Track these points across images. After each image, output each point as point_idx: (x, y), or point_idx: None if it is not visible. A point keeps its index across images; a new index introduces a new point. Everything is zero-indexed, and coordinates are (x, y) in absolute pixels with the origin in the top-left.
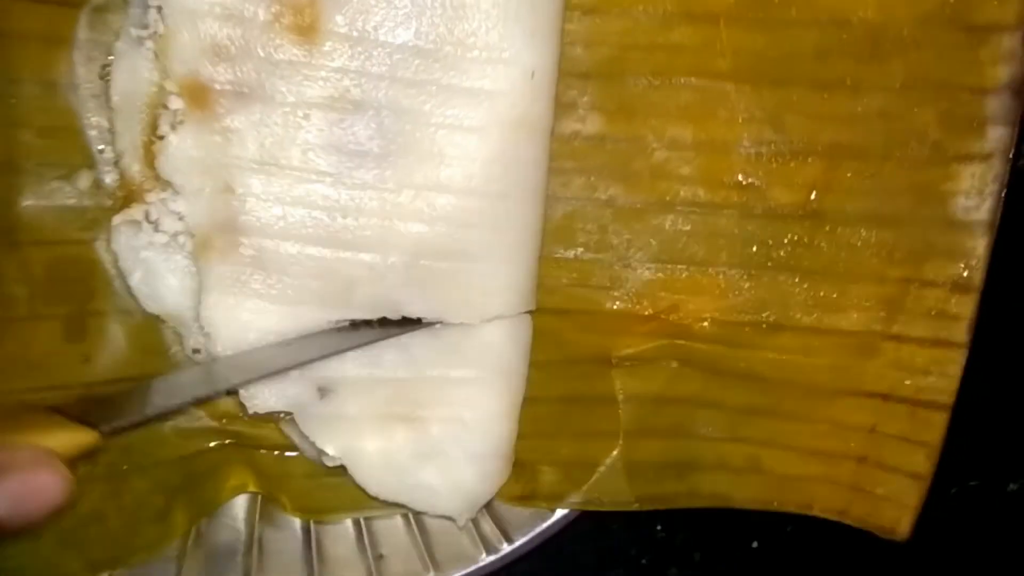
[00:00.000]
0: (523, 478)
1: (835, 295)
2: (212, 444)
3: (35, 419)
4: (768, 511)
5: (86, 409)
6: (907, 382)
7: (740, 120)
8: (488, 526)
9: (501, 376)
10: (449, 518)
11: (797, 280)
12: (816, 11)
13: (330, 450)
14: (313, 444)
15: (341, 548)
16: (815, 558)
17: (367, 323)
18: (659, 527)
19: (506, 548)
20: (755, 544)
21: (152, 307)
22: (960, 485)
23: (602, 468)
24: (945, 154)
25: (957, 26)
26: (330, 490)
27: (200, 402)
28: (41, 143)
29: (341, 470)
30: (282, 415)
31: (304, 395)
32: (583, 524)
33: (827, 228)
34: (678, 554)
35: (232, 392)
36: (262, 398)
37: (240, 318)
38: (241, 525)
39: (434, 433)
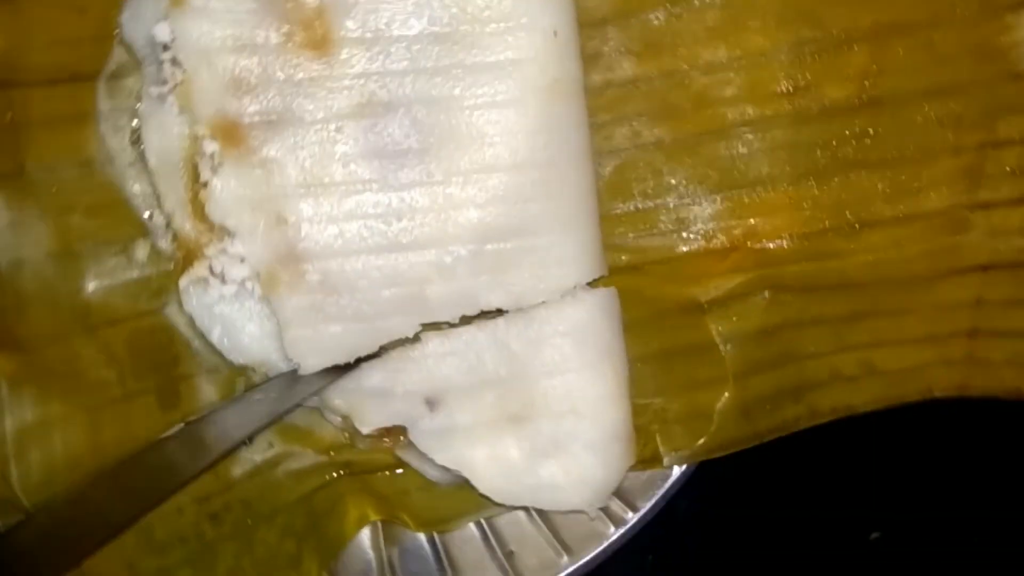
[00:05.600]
0: (640, 442)
1: (912, 179)
2: (326, 478)
3: None
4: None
5: None
6: (1005, 246)
7: (774, 26)
8: (610, 499)
9: (602, 357)
10: (579, 512)
11: (869, 173)
12: None
13: (450, 465)
14: (432, 462)
15: (470, 553)
16: None
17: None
18: None
19: (632, 517)
20: None
21: (238, 359)
22: None
23: (717, 414)
24: (995, 6)
25: None
26: (447, 498)
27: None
28: (91, 223)
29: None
30: (399, 440)
31: (413, 410)
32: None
33: (888, 113)
34: None
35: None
36: (370, 417)
37: (324, 345)
38: (369, 553)
39: (548, 428)
